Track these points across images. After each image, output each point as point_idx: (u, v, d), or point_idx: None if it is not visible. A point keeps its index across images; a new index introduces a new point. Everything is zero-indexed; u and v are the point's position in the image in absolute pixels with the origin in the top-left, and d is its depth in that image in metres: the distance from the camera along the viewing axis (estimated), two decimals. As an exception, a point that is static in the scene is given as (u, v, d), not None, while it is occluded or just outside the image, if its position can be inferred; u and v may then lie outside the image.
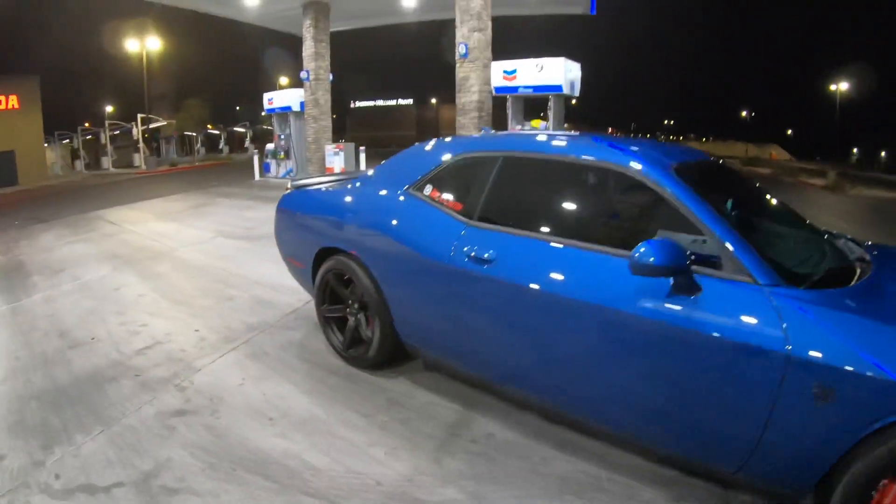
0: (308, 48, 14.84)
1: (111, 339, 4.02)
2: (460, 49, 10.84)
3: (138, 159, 25.70)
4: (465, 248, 2.77)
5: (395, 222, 3.19)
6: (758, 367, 1.93)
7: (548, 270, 2.49)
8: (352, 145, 13.88)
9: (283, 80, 39.50)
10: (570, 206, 2.92)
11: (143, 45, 30.19)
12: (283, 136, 16.28)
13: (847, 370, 1.77)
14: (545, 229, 2.67)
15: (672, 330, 2.10)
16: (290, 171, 15.35)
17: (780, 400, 1.89)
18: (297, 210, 3.91)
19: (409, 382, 3.32)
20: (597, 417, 2.57)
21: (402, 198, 3.29)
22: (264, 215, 8.33)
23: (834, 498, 1.85)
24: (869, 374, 1.74)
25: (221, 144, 36.51)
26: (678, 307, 2.10)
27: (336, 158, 13.29)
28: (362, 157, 14.12)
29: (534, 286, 2.49)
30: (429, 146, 3.52)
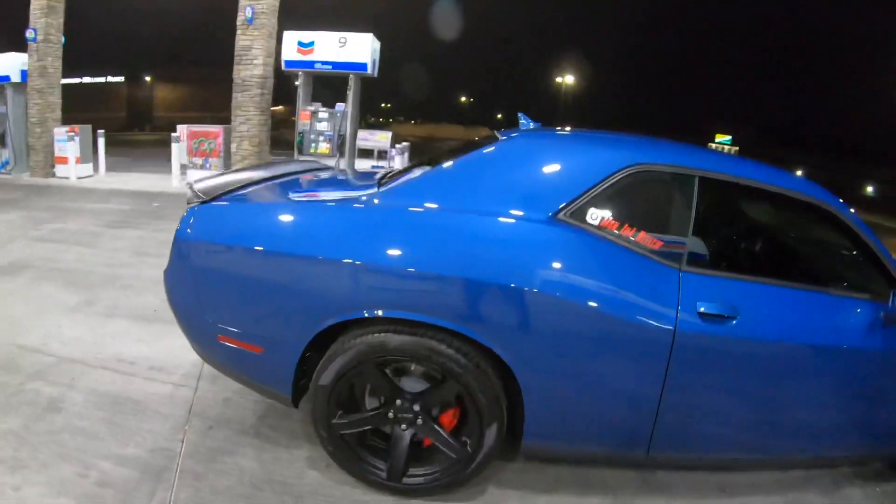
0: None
1: None
2: (246, 13, 8.85)
3: None
4: (697, 305, 2.06)
5: (559, 272, 2.02)
6: None
7: (794, 321, 2.21)
8: (88, 128, 10.48)
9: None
10: (786, 244, 2.80)
11: None
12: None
13: None
14: (772, 273, 2.36)
15: None
16: (7, 162, 10.89)
17: None
18: (251, 244, 2.16)
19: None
20: (797, 449, 2.50)
21: (551, 229, 2.08)
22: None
23: None
24: None
25: None
26: None
27: (70, 145, 9.79)
28: (101, 143, 10.83)
29: (786, 340, 2.18)
30: (556, 142, 2.47)
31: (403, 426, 2.18)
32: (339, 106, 10.37)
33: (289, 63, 9.80)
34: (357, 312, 2.05)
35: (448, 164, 2.35)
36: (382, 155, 10.97)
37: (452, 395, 2.14)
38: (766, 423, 2.34)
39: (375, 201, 2.23)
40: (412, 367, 2.18)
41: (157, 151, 16.69)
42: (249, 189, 2.52)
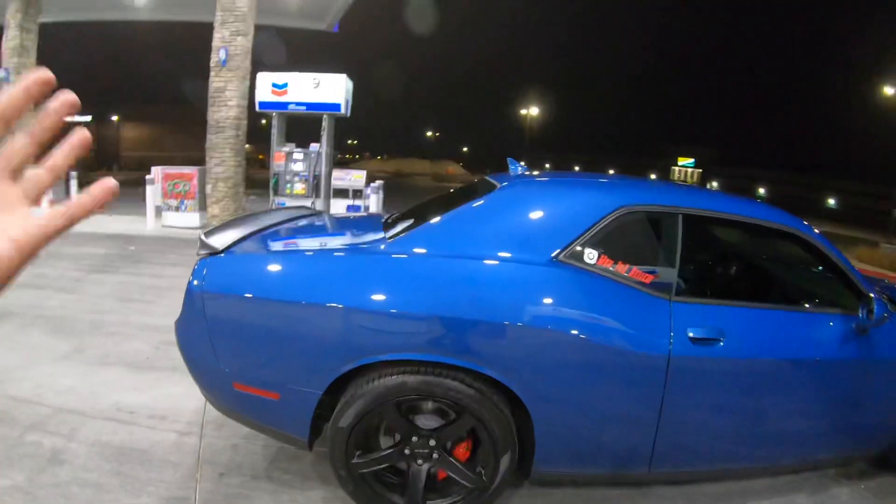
0: (11, 39, 10.38)
1: None
2: (220, 55, 8.93)
3: None
4: (688, 331, 2.26)
5: (564, 309, 2.21)
6: None
7: (774, 339, 2.46)
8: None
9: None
10: (761, 268, 3.02)
11: None
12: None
13: None
14: (751, 297, 2.71)
15: (878, 362, 2.60)
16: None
17: None
18: (268, 294, 2.24)
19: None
20: (784, 456, 2.74)
21: (553, 270, 2.26)
22: None
23: None
24: None
25: None
26: (884, 342, 2.58)
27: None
28: (73, 185, 10.64)
29: (768, 357, 2.44)
30: (551, 189, 2.68)
31: (420, 461, 2.26)
32: (314, 146, 10.46)
33: (263, 104, 9.88)
34: (376, 356, 2.13)
35: (452, 212, 2.47)
36: (358, 194, 11.04)
37: (467, 429, 2.24)
38: (755, 433, 2.55)
39: (387, 249, 2.34)
40: (427, 405, 2.26)
41: (128, 192, 16.46)
42: (257, 237, 2.57)
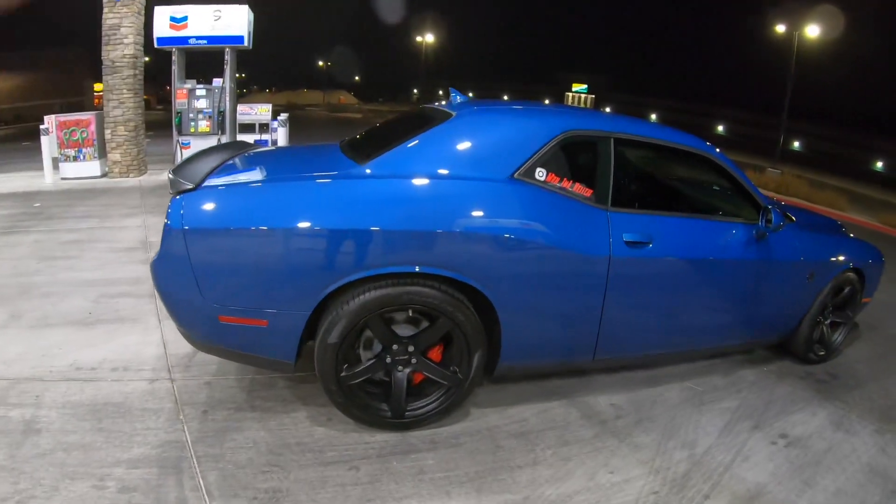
0: None
1: None
2: (115, -12, 7.98)
3: None
4: (623, 236, 2.63)
5: (524, 220, 2.46)
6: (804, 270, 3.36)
7: (692, 242, 2.89)
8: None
9: None
10: (680, 184, 3.49)
11: None
12: None
13: None
14: (673, 207, 3.09)
15: (774, 262, 3.17)
16: None
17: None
18: (254, 224, 2.26)
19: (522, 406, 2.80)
20: (702, 343, 3.30)
21: (512, 187, 2.50)
22: None
23: None
24: None
25: None
26: (778, 246, 3.15)
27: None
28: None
29: (687, 257, 2.87)
30: (507, 118, 2.80)
31: (400, 368, 2.47)
32: (216, 81, 9.81)
33: (161, 40, 9.07)
34: (362, 272, 2.27)
35: (419, 137, 2.60)
36: (264, 128, 10.58)
37: (443, 332, 2.46)
38: (676, 324, 3.04)
39: (364, 173, 2.45)
40: (403, 315, 2.46)
41: (13, 148, 14.89)
42: (224, 170, 2.54)
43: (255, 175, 2.55)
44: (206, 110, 9.71)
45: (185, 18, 9.01)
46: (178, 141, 9.60)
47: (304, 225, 2.25)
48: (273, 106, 11.20)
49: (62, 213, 6.48)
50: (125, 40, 8.44)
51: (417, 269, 2.31)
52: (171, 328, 3.39)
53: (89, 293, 3.99)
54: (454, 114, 2.73)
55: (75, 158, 8.60)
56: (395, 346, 2.43)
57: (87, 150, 8.64)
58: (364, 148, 2.78)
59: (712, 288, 3.04)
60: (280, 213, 2.27)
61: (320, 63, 74.95)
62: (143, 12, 8.65)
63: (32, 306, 3.75)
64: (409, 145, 2.57)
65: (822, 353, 3.71)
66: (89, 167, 8.71)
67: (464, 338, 2.45)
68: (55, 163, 8.53)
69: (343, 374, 2.39)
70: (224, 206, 2.29)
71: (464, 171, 2.48)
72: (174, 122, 9.54)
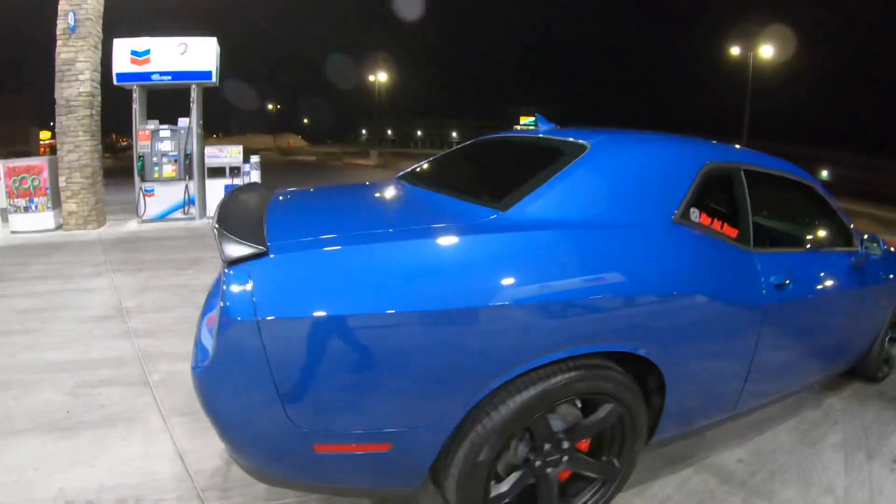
0: None
1: None
2: (68, 20, 7.19)
3: None
4: (771, 279, 2.31)
5: (694, 272, 2.03)
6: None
7: (817, 277, 2.67)
8: None
9: None
10: (790, 217, 3.28)
11: None
12: None
13: None
14: (795, 243, 2.93)
15: (868, 288, 3.01)
16: None
17: None
18: (373, 307, 1.53)
19: None
20: (813, 377, 3.01)
21: (676, 233, 2.06)
22: None
23: None
24: None
25: None
26: (869, 272, 2.99)
27: None
28: None
29: (816, 293, 2.63)
30: (650, 150, 2.33)
31: (549, 469, 1.88)
32: (182, 121, 9.01)
33: (122, 76, 8.25)
34: (533, 361, 1.69)
35: (560, 175, 2.04)
36: (235, 172, 9.74)
37: (610, 422, 1.96)
38: (803, 360, 2.80)
39: (504, 223, 1.84)
40: (564, 407, 1.88)
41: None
42: (286, 224, 1.87)
43: (345, 231, 1.82)
44: (170, 153, 8.87)
45: (148, 52, 8.23)
46: (140, 188, 8.69)
47: (454, 301, 1.57)
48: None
49: (15, 272, 5.51)
50: (81, 76, 7.57)
51: (589, 350, 1.79)
52: (183, 429, 2.62)
53: (62, 381, 3.14)
54: (588, 144, 2.19)
55: (26, 209, 7.57)
56: (546, 446, 1.84)
57: (40, 200, 7.63)
58: (472, 187, 2.26)
59: (831, 320, 2.87)
60: (413, 287, 1.57)
61: (270, 107, 74.10)
62: (100, 46, 7.82)
63: (-9, 404, 2.88)
64: (555, 185, 2.00)
65: (887, 370, 3.72)
66: (42, 219, 7.67)
67: (631, 422, 1.99)
68: (3, 214, 7.50)
69: (492, 495, 1.77)
70: (324, 280, 1.55)
71: (620, 217, 1.96)
72: (136, 166, 8.65)
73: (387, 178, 3.17)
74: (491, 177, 2.41)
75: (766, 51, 20.64)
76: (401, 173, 3.02)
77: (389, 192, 2.57)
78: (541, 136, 2.60)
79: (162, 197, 8.87)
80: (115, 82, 8.28)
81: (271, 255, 1.56)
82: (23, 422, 2.71)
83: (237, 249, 1.55)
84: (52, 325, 4.07)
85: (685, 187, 2.14)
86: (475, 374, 1.63)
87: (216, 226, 1.64)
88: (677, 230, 2.05)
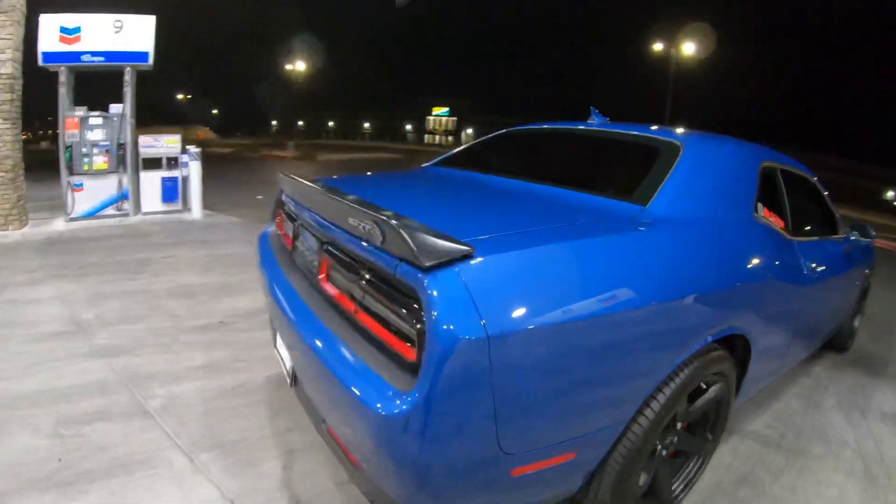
0: None
1: None
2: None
3: None
4: (809, 263, 2.68)
5: (772, 260, 2.32)
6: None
7: (828, 260, 3.01)
8: None
9: None
10: (802, 208, 3.29)
11: None
12: None
13: None
14: (812, 232, 3.07)
15: (856, 268, 3.71)
16: None
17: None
18: (587, 310, 1.45)
19: None
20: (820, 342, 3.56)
21: (758, 226, 2.35)
22: None
23: None
24: None
25: None
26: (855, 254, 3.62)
27: None
28: None
29: (830, 275, 2.99)
30: (731, 149, 2.55)
31: (664, 452, 1.98)
32: (114, 108, 8.06)
33: (48, 56, 7.19)
34: (690, 349, 1.80)
35: (676, 172, 2.13)
36: (172, 163, 8.85)
37: (716, 402, 2.15)
38: (816, 329, 3.20)
39: (654, 217, 1.92)
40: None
41: None
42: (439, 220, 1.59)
43: (513, 227, 1.63)
44: (102, 143, 7.91)
45: (79, 30, 7.25)
46: (69, 182, 7.70)
47: (650, 296, 1.61)
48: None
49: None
50: (1, 55, 6.54)
51: (727, 333, 2.00)
52: (218, 466, 2.20)
53: (37, 420, 2.59)
54: (681, 143, 2.31)
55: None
56: (668, 428, 1.94)
57: (-49, 197, 6.56)
58: (580, 181, 2.27)
59: (832, 296, 3.25)
60: (619, 284, 1.55)
61: (179, 97, 70.05)
62: (23, 21, 6.80)
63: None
64: (676, 182, 2.10)
65: (851, 341, 4.37)
66: (-47, 218, 6.60)
67: (727, 399, 2.21)
68: None
69: (640, 483, 1.86)
70: (539, 283, 1.40)
71: (719, 213, 2.18)
72: (64, 158, 7.64)
73: (422, 167, 3.21)
74: (594, 171, 2.48)
75: (689, 48, 21.20)
76: (437, 160, 3.14)
77: (484, 185, 2.45)
78: (612, 130, 2.70)
79: (92, 192, 7.90)
80: (40, 62, 7.24)
81: (479, 258, 1.32)
82: (4, 481, 2.14)
83: (441, 250, 1.25)
84: (6, 343, 3.39)
85: (755, 185, 2.44)
86: (650, 367, 1.67)
87: (392, 222, 1.31)
88: (758, 225, 2.34)
